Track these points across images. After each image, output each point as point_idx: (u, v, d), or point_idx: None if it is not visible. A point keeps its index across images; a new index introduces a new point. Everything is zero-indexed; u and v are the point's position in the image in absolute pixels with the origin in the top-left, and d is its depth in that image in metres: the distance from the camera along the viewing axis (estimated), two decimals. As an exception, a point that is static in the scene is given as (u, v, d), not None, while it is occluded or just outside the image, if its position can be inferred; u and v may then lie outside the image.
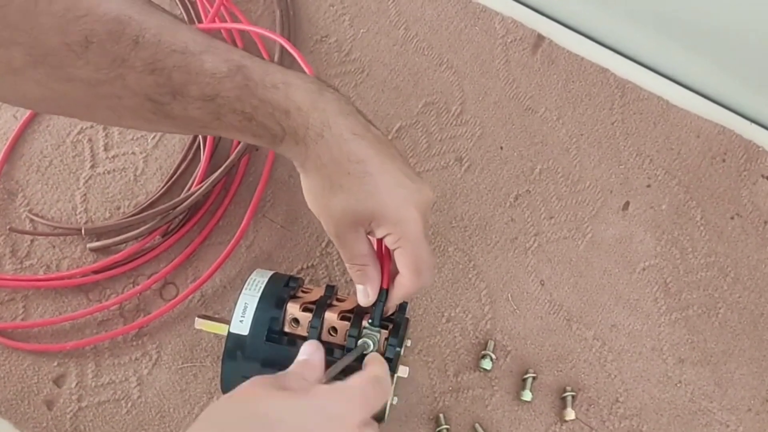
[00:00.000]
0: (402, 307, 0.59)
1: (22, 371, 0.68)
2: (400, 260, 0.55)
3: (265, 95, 0.52)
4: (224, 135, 0.55)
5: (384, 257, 0.57)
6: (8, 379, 0.68)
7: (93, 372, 0.68)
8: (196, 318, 0.61)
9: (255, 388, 0.46)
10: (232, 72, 0.51)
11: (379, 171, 0.54)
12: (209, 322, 0.61)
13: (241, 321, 0.58)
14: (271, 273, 0.61)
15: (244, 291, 0.59)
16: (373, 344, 0.56)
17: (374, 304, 0.57)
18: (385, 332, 0.57)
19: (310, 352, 0.52)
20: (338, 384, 0.49)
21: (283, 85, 0.52)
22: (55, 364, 0.68)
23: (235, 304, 0.58)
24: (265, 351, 0.57)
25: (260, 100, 0.52)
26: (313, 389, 0.48)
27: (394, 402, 0.59)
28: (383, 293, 0.57)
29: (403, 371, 0.58)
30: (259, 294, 0.58)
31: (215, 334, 0.61)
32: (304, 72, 0.59)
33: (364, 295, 0.57)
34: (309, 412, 0.46)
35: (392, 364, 0.56)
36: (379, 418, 0.58)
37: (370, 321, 0.57)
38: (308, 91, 0.53)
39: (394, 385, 0.57)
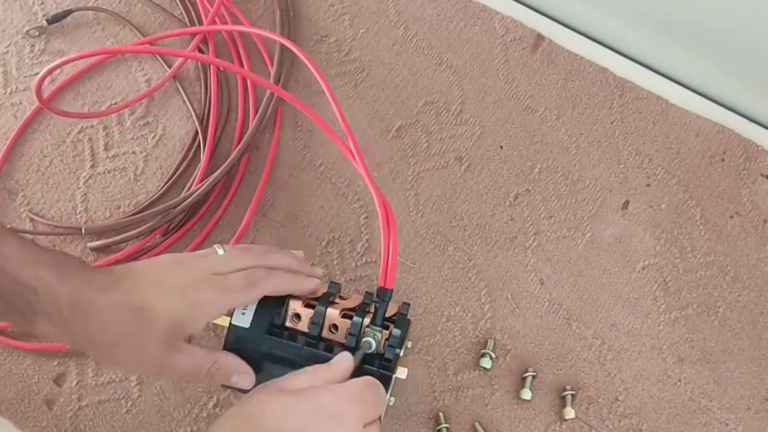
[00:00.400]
0: (404, 308, 0.59)
1: (22, 370, 0.68)
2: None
3: (12, 270, 0.49)
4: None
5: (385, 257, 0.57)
6: (9, 379, 0.68)
7: (93, 371, 0.68)
8: None
9: (260, 395, 0.49)
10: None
11: (145, 290, 0.53)
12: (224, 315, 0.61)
13: (243, 314, 0.58)
14: None
15: None
16: (375, 343, 0.56)
17: (377, 305, 0.57)
18: (386, 332, 0.57)
19: (339, 361, 0.53)
20: (337, 385, 0.50)
21: (32, 265, 0.50)
22: (56, 363, 0.68)
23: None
24: (265, 344, 0.57)
25: (4, 275, 0.49)
26: (313, 390, 0.49)
27: (391, 402, 0.59)
28: (388, 293, 0.57)
29: (401, 373, 0.58)
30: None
31: (216, 325, 0.61)
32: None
33: (243, 381, 0.56)
34: (308, 413, 0.48)
35: (391, 365, 0.56)
36: None
37: (372, 321, 0.57)
38: (55, 272, 0.50)
39: (392, 386, 0.57)
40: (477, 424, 0.66)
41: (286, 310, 0.58)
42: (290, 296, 0.58)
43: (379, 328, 0.57)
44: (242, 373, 0.56)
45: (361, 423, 0.50)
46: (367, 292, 0.59)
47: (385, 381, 0.56)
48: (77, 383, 0.68)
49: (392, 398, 0.59)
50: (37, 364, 0.68)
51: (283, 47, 0.75)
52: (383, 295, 0.57)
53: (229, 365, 0.56)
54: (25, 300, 0.49)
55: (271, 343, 0.57)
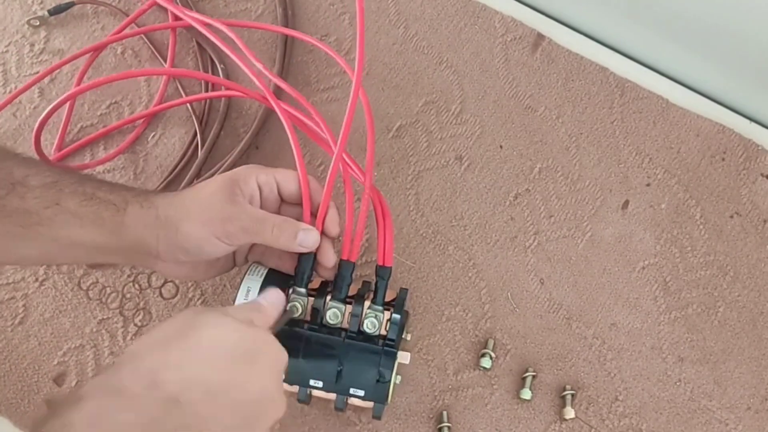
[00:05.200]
0: (402, 293, 0.60)
1: (21, 370, 0.68)
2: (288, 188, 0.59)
3: (101, 182, 0.56)
4: (58, 239, 0.54)
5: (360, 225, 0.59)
6: (8, 378, 0.68)
7: (93, 371, 0.68)
8: None
9: (193, 308, 0.52)
10: (69, 171, 0.56)
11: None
12: None
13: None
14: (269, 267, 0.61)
15: (246, 275, 0.59)
16: (378, 323, 0.57)
17: (377, 284, 0.58)
18: (387, 313, 0.58)
19: (270, 300, 0.55)
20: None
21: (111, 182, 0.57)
22: (55, 362, 0.68)
23: (238, 288, 0.58)
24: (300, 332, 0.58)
25: (100, 182, 0.55)
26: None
27: (398, 381, 0.60)
28: (387, 271, 0.58)
29: (404, 357, 0.59)
30: (262, 278, 0.59)
31: None
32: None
33: (310, 238, 0.57)
34: (237, 333, 0.49)
35: (394, 343, 0.57)
36: (381, 398, 0.58)
37: (373, 301, 0.58)
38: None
39: (396, 365, 0.58)
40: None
41: (288, 300, 0.58)
42: (293, 284, 0.58)
43: (380, 308, 0.58)
44: (308, 230, 0.56)
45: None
46: (364, 281, 0.60)
47: (389, 359, 0.57)
48: (77, 383, 0.68)
49: (399, 376, 0.60)
50: (37, 364, 0.68)
51: (284, 48, 0.75)
52: (383, 273, 0.58)
53: (293, 221, 0.56)
54: (120, 194, 0.55)
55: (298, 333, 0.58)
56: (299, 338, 0.57)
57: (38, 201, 0.52)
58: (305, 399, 0.59)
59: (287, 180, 0.59)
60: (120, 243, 0.55)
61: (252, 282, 0.59)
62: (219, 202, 0.55)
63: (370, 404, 0.59)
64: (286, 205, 0.60)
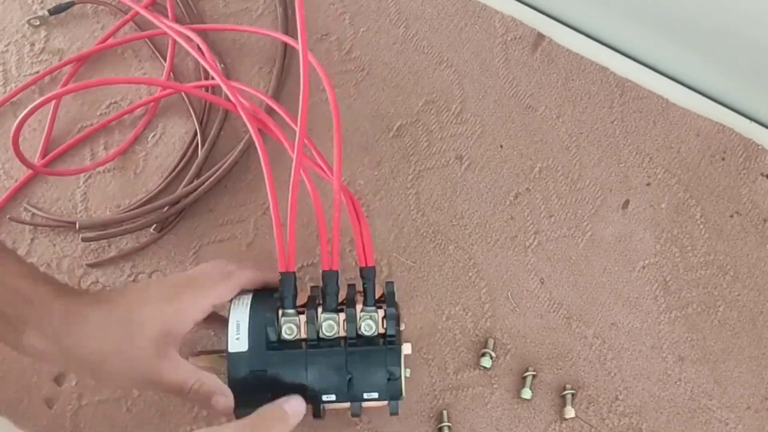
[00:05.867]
0: (388, 287, 0.60)
1: (21, 369, 0.68)
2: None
3: (8, 280, 0.52)
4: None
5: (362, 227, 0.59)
6: (8, 378, 0.68)
7: (93, 370, 0.68)
8: (190, 358, 0.61)
9: None
10: None
11: (131, 300, 0.56)
12: (207, 355, 0.61)
13: (237, 339, 0.57)
14: (252, 291, 0.61)
15: (232, 309, 0.58)
16: (375, 324, 0.57)
17: (364, 286, 0.58)
18: (381, 312, 0.58)
19: (293, 408, 0.56)
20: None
21: (29, 280, 0.53)
22: (55, 362, 0.69)
23: (227, 323, 0.58)
24: (270, 362, 0.57)
25: (8, 284, 0.52)
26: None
27: (407, 374, 0.60)
28: (371, 271, 0.58)
29: (406, 348, 0.59)
30: (248, 309, 0.58)
31: (217, 358, 0.61)
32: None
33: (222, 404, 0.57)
34: None
35: (395, 339, 0.57)
36: (395, 395, 0.59)
37: (364, 303, 0.58)
38: (51, 288, 0.54)
39: (402, 359, 0.58)
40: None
41: (279, 322, 0.57)
42: (278, 308, 0.58)
43: (372, 308, 0.58)
44: (221, 396, 0.56)
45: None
46: (349, 285, 0.60)
47: (394, 355, 0.57)
48: (77, 382, 0.68)
49: (408, 370, 0.60)
50: (37, 363, 0.68)
51: (284, 48, 0.76)
52: (367, 274, 0.58)
53: (211, 385, 0.56)
54: (19, 310, 0.52)
55: (276, 359, 0.57)
56: (302, 359, 0.57)
57: None
58: (320, 414, 0.59)
59: (249, 284, 0.59)
60: (22, 353, 0.54)
61: (240, 314, 0.58)
62: (145, 365, 0.54)
63: (385, 403, 0.59)
64: None
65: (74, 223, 0.70)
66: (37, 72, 0.77)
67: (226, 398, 0.56)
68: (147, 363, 0.54)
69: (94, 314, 0.54)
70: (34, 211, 0.72)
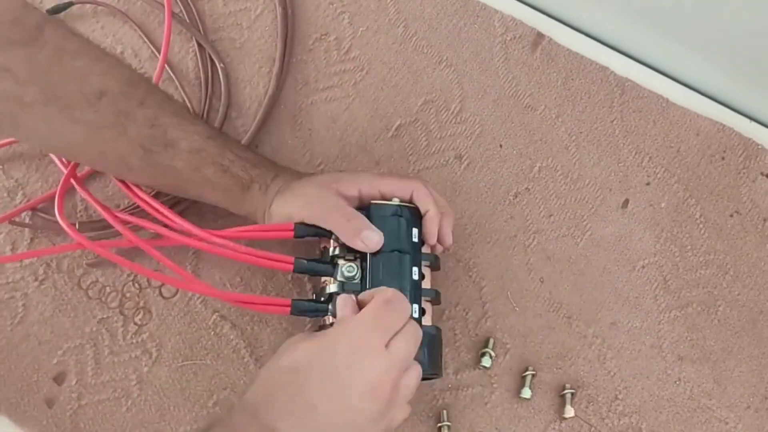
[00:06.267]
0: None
1: (22, 369, 0.68)
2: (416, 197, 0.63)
3: (240, 152, 0.64)
4: (194, 193, 0.65)
5: None
6: (8, 377, 0.68)
7: (93, 370, 0.68)
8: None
9: (289, 345, 0.55)
10: (215, 135, 0.64)
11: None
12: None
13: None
14: None
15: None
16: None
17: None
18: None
19: (342, 307, 0.58)
20: (347, 319, 0.56)
21: (251, 152, 0.66)
22: (55, 362, 0.68)
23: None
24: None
25: (237, 154, 0.63)
26: (329, 332, 0.55)
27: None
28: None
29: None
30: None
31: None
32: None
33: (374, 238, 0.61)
34: (328, 350, 0.53)
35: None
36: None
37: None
38: (268, 159, 0.66)
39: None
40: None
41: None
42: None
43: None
44: (374, 232, 0.60)
45: (382, 343, 0.53)
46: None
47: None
48: (77, 382, 0.68)
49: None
50: (37, 363, 0.68)
51: (283, 47, 0.75)
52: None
53: (364, 220, 0.61)
54: (248, 172, 0.63)
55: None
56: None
57: (183, 163, 0.62)
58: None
59: (393, 190, 0.63)
60: (238, 210, 0.65)
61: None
62: (322, 191, 0.62)
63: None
64: None
65: (74, 224, 0.70)
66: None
67: (377, 233, 0.60)
68: (323, 194, 0.62)
69: (300, 179, 0.64)
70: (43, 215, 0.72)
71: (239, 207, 0.64)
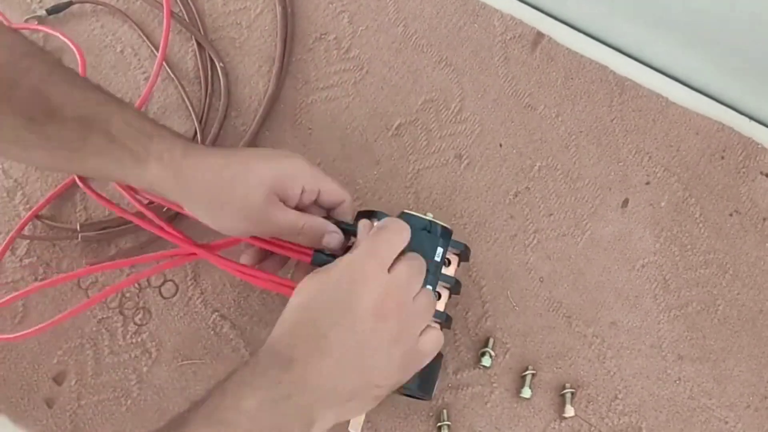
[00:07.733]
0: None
1: (21, 369, 0.68)
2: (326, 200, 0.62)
3: (133, 121, 0.58)
4: (90, 167, 0.60)
5: None
6: (8, 377, 0.68)
7: (92, 370, 0.68)
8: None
9: (299, 286, 0.56)
10: (107, 101, 0.59)
11: (247, 154, 0.62)
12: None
13: None
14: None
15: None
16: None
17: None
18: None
19: (361, 231, 0.59)
20: (349, 254, 0.56)
21: (150, 122, 0.59)
22: (55, 361, 0.69)
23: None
24: None
25: (128, 122, 0.58)
26: (332, 265, 0.56)
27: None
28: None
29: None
30: None
31: None
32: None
33: (334, 240, 0.61)
34: (331, 282, 0.55)
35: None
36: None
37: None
38: (170, 131, 0.60)
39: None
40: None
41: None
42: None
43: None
44: (332, 233, 0.60)
45: (380, 267, 0.55)
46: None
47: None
48: (76, 382, 0.68)
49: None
50: (37, 363, 0.68)
51: (283, 47, 0.75)
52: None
53: (320, 225, 0.60)
54: (143, 145, 0.57)
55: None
56: None
57: (71, 133, 0.57)
58: None
59: (329, 193, 0.61)
60: (142, 186, 0.60)
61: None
62: (256, 203, 0.58)
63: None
64: (316, 206, 0.62)
65: (75, 230, 0.70)
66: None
67: (336, 235, 0.60)
68: (259, 205, 0.58)
69: (213, 154, 0.59)
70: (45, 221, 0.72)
71: (140, 184, 0.60)
